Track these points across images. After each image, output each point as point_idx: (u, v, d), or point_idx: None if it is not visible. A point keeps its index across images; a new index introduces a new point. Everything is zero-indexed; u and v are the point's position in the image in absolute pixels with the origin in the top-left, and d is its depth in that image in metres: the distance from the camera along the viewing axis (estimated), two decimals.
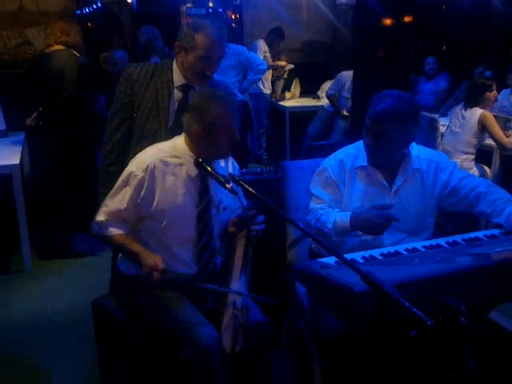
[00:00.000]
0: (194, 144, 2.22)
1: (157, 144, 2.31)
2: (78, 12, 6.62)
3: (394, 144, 2.26)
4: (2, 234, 4.45)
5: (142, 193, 2.18)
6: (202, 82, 2.52)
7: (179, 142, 2.26)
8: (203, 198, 2.25)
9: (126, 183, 2.20)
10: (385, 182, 2.35)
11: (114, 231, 2.22)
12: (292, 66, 7.22)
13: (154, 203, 2.19)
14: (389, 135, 2.21)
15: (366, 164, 2.36)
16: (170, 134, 2.40)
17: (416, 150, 2.41)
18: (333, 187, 2.38)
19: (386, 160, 2.34)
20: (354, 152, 2.41)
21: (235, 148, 2.37)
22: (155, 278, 2.07)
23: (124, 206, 2.19)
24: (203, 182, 2.24)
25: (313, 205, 2.41)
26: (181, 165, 2.22)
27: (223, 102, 2.16)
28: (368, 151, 2.32)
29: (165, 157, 2.22)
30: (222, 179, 2.12)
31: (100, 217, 2.24)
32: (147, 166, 2.17)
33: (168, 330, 2.10)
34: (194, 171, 2.22)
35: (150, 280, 2.08)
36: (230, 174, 2.15)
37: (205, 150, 2.20)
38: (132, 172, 2.19)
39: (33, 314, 3.45)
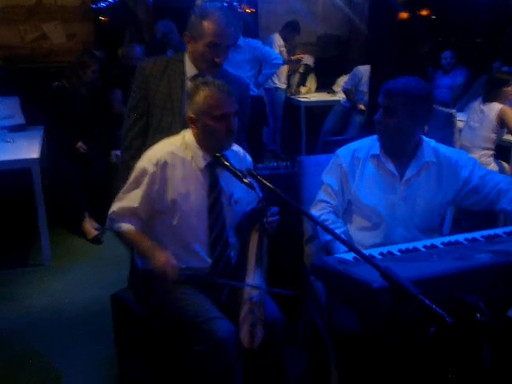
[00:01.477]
0: (194, 133, 2.24)
1: (167, 138, 2.33)
2: (95, 6, 6.66)
3: (402, 122, 2.24)
4: (22, 227, 4.51)
5: (156, 187, 2.20)
6: (213, 70, 2.52)
7: (187, 135, 2.28)
8: (213, 189, 2.26)
9: (138, 180, 2.22)
10: (395, 171, 2.34)
11: (126, 227, 2.23)
12: (311, 58, 7.15)
13: (167, 197, 2.21)
14: (397, 109, 2.22)
15: (378, 152, 2.36)
16: (184, 126, 2.42)
17: (434, 144, 2.40)
18: (342, 177, 2.40)
19: (396, 143, 2.33)
20: (369, 143, 2.43)
21: (238, 139, 2.38)
22: (168, 276, 2.07)
23: (136, 203, 2.21)
24: (212, 173, 2.26)
25: (321, 196, 2.44)
26: (190, 157, 2.25)
27: (211, 88, 2.16)
28: (377, 129, 2.33)
29: (174, 150, 2.24)
30: (239, 174, 2.14)
31: (113, 211, 2.26)
32: (157, 161, 2.20)
33: (184, 325, 2.11)
34: (202, 163, 2.24)
35: (163, 278, 2.09)
36: (247, 168, 2.16)
37: (203, 138, 2.22)
38: (143, 168, 2.21)
39: (51, 307, 3.49)
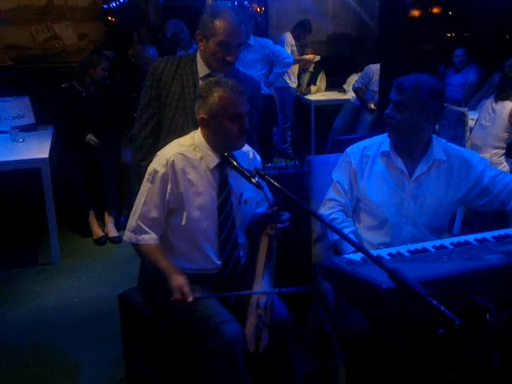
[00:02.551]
0: (206, 134, 2.23)
1: (176, 139, 2.32)
2: (105, 6, 6.68)
3: (413, 117, 2.22)
4: (31, 226, 4.53)
5: (169, 189, 2.19)
6: (224, 69, 2.53)
7: (197, 135, 2.27)
8: (223, 189, 2.25)
9: (150, 182, 2.21)
10: (405, 169, 2.32)
11: (145, 239, 2.21)
12: (318, 58, 7.14)
13: (179, 196, 2.20)
14: (408, 104, 2.20)
15: (388, 149, 2.35)
16: (197, 126, 2.42)
17: (445, 144, 2.38)
18: (351, 174, 2.40)
19: (406, 139, 2.31)
20: (379, 141, 2.42)
21: (251, 138, 2.36)
22: (177, 300, 2.04)
23: (153, 208, 2.20)
24: (222, 173, 2.25)
25: (331, 194, 2.43)
26: (200, 158, 2.23)
27: (225, 88, 2.15)
28: (387, 124, 2.30)
29: (183, 151, 2.23)
30: (247, 174, 2.13)
31: (132, 222, 2.24)
32: (167, 161, 2.19)
33: (192, 325, 2.10)
34: (212, 163, 2.22)
35: (176, 303, 2.05)
36: (255, 168, 2.14)
37: (215, 139, 2.21)
38: (154, 170, 2.20)
39: (60, 306, 3.50)
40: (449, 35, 7.41)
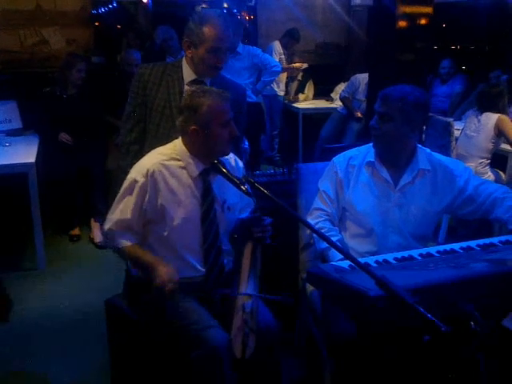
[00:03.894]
0: (193, 144, 2.21)
1: (156, 149, 2.31)
2: (94, 11, 6.67)
3: (398, 128, 2.24)
4: (17, 231, 4.49)
5: (147, 198, 2.18)
6: (214, 73, 2.57)
7: (178, 145, 2.26)
8: (206, 198, 2.24)
9: (128, 191, 2.21)
10: (390, 179, 2.35)
11: (124, 243, 2.21)
12: (306, 65, 7.19)
13: (159, 207, 2.19)
14: (394, 115, 2.23)
15: (373, 160, 2.37)
16: None
17: (429, 154, 2.41)
18: (337, 184, 2.41)
19: (391, 150, 2.33)
20: (365, 151, 2.44)
21: (236, 144, 2.37)
22: (168, 290, 2.05)
23: (128, 215, 2.20)
24: (205, 181, 2.25)
25: (317, 204, 2.45)
26: (181, 167, 2.23)
27: (213, 96, 2.16)
28: (372, 135, 2.33)
29: (165, 160, 2.22)
30: (237, 181, 2.13)
31: (107, 226, 2.25)
32: (147, 171, 2.18)
33: (178, 332, 2.10)
34: (195, 172, 2.22)
35: (163, 291, 2.06)
36: (244, 175, 2.15)
37: (204, 148, 2.20)
38: (133, 179, 2.20)
39: (46, 312, 3.48)
40: (436, 46, 7.48)
